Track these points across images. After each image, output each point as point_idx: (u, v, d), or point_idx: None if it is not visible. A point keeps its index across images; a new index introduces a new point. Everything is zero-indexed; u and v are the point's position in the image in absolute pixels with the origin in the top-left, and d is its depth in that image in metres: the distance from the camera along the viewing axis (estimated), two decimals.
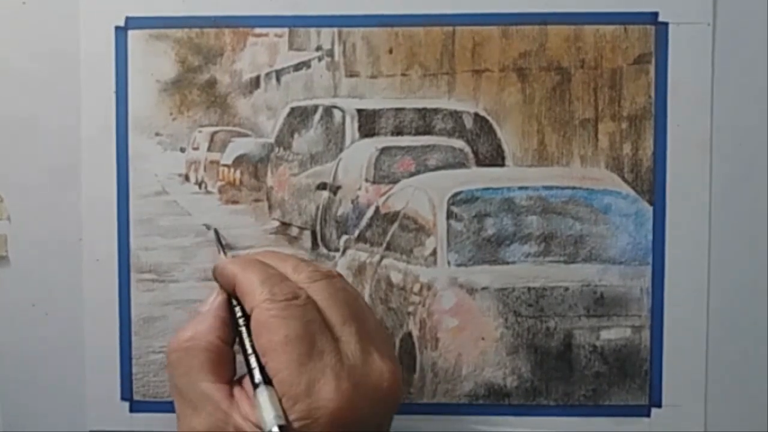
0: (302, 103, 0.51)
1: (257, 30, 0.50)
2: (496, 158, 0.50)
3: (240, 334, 0.42)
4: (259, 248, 0.51)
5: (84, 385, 0.51)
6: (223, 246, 0.50)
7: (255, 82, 0.51)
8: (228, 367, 0.42)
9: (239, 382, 0.41)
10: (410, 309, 0.50)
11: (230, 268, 0.43)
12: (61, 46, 0.50)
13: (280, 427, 0.37)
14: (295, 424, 0.37)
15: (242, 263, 0.43)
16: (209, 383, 0.40)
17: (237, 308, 0.43)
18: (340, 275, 0.44)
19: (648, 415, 0.50)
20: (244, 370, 0.40)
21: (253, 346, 0.40)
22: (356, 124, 0.50)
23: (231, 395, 0.40)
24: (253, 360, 0.40)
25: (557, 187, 0.50)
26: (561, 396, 0.50)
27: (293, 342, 0.38)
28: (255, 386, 0.39)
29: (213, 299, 0.44)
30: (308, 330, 0.39)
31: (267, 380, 0.38)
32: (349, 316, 0.40)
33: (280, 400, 0.38)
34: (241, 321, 0.42)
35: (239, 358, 0.42)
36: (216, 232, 0.50)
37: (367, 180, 0.51)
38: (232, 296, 0.43)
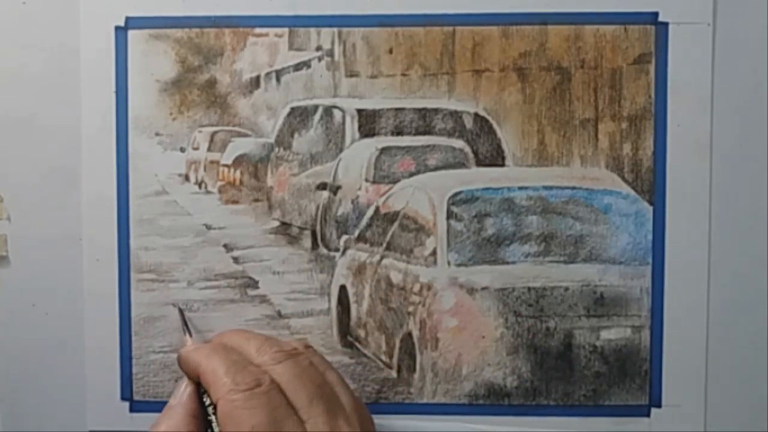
0: (302, 103, 0.51)
1: (257, 30, 0.50)
2: (496, 158, 0.50)
3: (210, 424, 0.42)
4: (259, 248, 0.51)
5: (84, 385, 0.51)
6: (188, 327, 0.49)
7: (255, 82, 0.51)
8: None
9: None
10: (410, 309, 0.50)
11: (193, 357, 0.43)
12: (61, 46, 0.50)
13: None
14: None
15: (206, 351, 0.43)
16: None
17: (205, 397, 0.42)
18: (306, 349, 0.43)
19: (648, 415, 0.50)
20: None
21: None
22: (356, 124, 0.50)
23: None
24: None
25: (557, 187, 0.50)
26: (561, 396, 0.50)
27: None
28: None
29: (182, 391, 0.43)
30: (274, 418, 0.39)
31: None
32: (315, 395, 0.40)
33: None
34: (210, 410, 0.42)
35: None
36: (181, 312, 0.50)
37: (367, 180, 0.51)
38: (199, 385, 0.43)
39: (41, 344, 0.51)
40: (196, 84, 0.51)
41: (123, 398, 0.51)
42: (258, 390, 0.39)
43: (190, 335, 0.49)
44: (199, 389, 0.43)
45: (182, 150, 0.51)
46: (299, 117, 0.51)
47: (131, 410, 0.51)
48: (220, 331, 0.50)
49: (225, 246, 0.51)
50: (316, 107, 0.51)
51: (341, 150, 0.51)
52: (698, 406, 0.50)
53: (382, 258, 0.51)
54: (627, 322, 0.50)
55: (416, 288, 0.50)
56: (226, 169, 0.51)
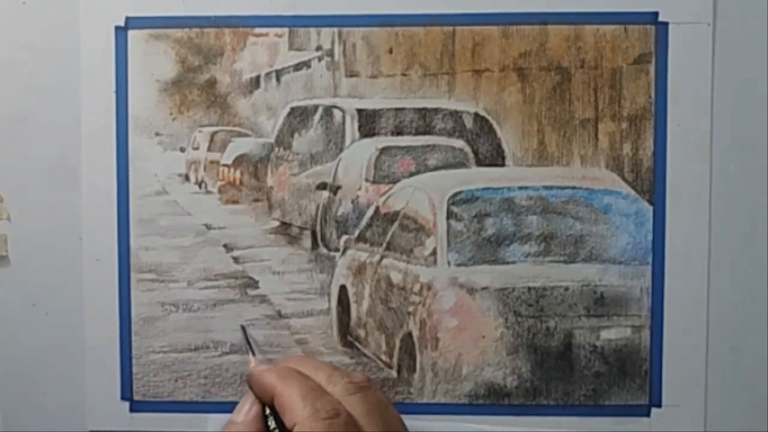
0: (302, 103, 0.51)
1: (257, 30, 0.50)
2: (496, 158, 0.50)
3: None
4: (259, 248, 0.51)
5: (84, 385, 0.51)
6: (251, 346, 0.49)
7: (255, 82, 0.51)
8: None
9: None
10: (410, 309, 0.50)
11: (268, 378, 0.43)
12: (62, 46, 0.50)
13: None
14: None
15: (280, 374, 0.43)
16: None
17: (271, 419, 0.43)
18: (372, 384, 0.44)
19: (648, 415, 0.50)
20: None
21: None
22: (356, 124, 0.50)
23: None
24: None
25: (557, 187, 0.50)
26: (561, 396, 0.50)
27: None
28: None
29: (248, 409, 0.43)
30: None
31: None
32: None
33: None
34: None
35: None
36: (244, 330, 0.50)
37: (367, 180, 0.51)
38: (267, 406, 0.43)
39: (41, 344, 0.51)
40: (196, 84, 0.51)
41: (123, 398, 0.51)
42: (336, 421, 0.39)
43: (254, 354, 0.49)
44: (264, 411, 0.43)
45: (182, 150, 0.51)
46: (299, 117, 0.51)
47: (131, 410, 0.51)
48: (222, 332, 0.51)
49: (225, 246, 0.51)
50: (316, 107, 0.51)
51: (341, 150, 0.51)
52: (698, 406, 0.50)
53: (382, 258, 0.51)
54: (627, 322, 0.50)
55: (416, 288, 0.50)
56: (226, 169, 0.51)
